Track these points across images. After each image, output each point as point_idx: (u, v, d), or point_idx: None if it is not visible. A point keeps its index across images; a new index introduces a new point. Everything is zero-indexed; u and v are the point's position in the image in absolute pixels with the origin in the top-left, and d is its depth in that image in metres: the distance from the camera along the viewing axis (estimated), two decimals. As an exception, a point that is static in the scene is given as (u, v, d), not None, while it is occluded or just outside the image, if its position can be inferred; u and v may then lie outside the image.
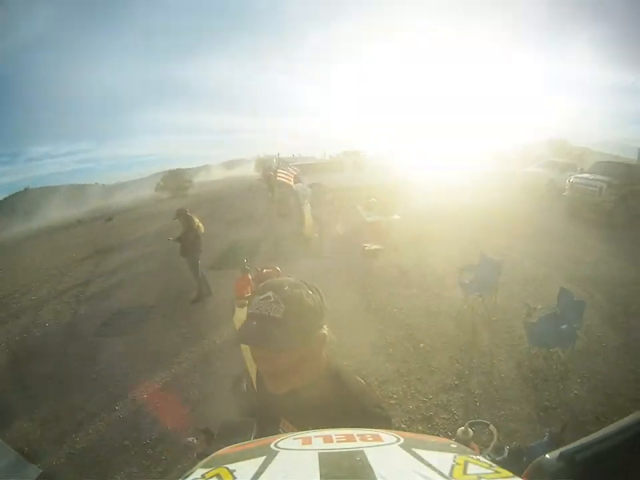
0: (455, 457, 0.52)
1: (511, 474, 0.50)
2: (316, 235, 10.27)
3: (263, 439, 0.62)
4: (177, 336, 6.12)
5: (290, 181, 12.53)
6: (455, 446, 0.58)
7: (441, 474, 0.46)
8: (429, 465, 0.48)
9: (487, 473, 0.49)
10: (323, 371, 1.18)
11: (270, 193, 16.52)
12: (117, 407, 4.66)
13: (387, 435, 0.58)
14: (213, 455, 0.61)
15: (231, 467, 0.51)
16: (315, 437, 0.58)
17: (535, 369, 4.18)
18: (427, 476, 0.45)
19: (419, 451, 0.52)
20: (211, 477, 0.49)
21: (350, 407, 1.09)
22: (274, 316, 1.04)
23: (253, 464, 0.51)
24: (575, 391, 3.88)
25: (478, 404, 3.80)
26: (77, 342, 6.71)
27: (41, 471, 3.91)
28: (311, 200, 11.29)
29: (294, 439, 0.59)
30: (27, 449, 4.26)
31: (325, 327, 1.14)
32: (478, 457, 0.55)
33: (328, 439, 0.57)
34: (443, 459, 0.51)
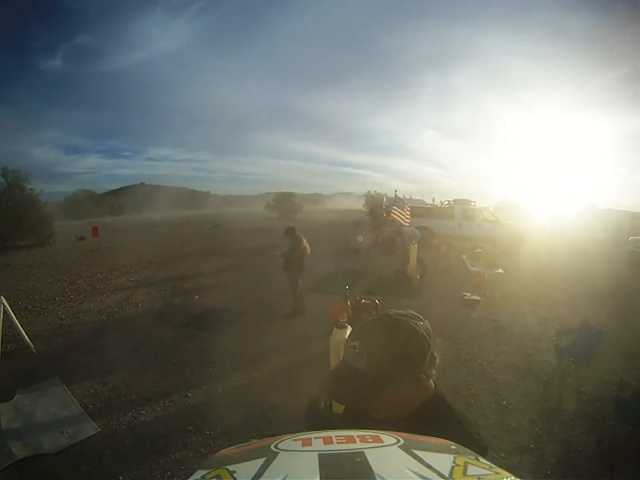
0: (455, 458, 0.54)
1: (510, 475, 0.53)
2: (418, 276, 10.40)
3: (263, 440, 0.64)
4: (263, 344, 6.32)
5: (403, 219, 12.73)
6: (455, 447, 0.61)
7: (441, 475, 0.48)
8: (429, 466, 0.50)
9: (486, 474, 0.51)
10: (432, 394, 1.16)
11: (377, 230, 16.86)
12: (188, 394, 4.92)
13: (386, 436, 0.60)
14: (213, 456, 0.63)
15: (231, 468, 0.53)
16: (315, 438, 0.60)
17: (616, 447, 3.92)
18: (426, 477, 0.47)
19: (418, 452, 0.54)
20: (211, 478, 0.51)
21: (455, 431, 1.02)
22: (356, 367, 1.06)
23: (253, 465, 0.52)
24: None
25: (549, 472, 3.69)
26: (164, 327, 7.23)
27: (99, 430, 4.18)
28: (418, 242, 11.45)
29: (294, 440, 0.61)
30: (91, 407, 4.63)
31: (435, 354, 1.14)
32: (477, 457, 0.58)
33: (328, 440, 0.58)
34: (443, 460, 0.53)
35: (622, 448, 3.93)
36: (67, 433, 4.13)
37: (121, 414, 4.51)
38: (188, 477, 0.53)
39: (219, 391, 5.05)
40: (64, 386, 5.03)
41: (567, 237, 17.33)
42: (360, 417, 1.10)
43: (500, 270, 9.33)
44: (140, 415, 4.51)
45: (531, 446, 4.04)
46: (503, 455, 3.89)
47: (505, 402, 4.83)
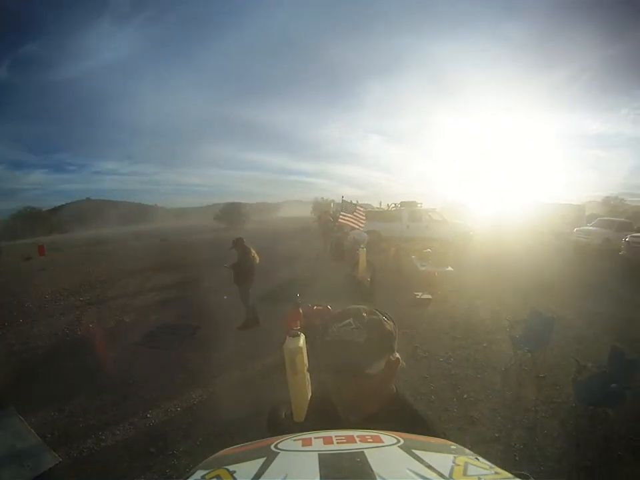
0: (455, 458, 0.55)
1: (510, 475, 0.53)
2: (368, 279, 10.37)
3: (262, 440, 0.64)
4: (218, 358, 6.18)
5: (353, 223, 12.73)
6: (455, 447, 0.62)
7: (441, 475, 0.48)
8: (429, 466, 0.50)
9: (486, 474, 0.51)
10: (394, 396, 1.17)
11: (323, 236, 16.85)
12: (148, 415, 4.76)
13: (387, 436, 0.60)
14: (213, 456, 0.62)
15: (230, 468, 0.52)
16: (315, 438, 0.60)
17: (580, 428, 3.99)
18: (426, 477, 0.47)
19: (418, 452, 0.54)
20: (211, 478, 0.51)
21: (420, 430, 1.00)
22: (357, 341, 1.04)
23: (253, 465, 0.52)
24: (619, 452, 3.66)
25: (517, 458, 3.66)
26: (117, 347, 6.94)
27: (60, 460, 3.98)
28: (367, 246, 11.45)
29: (294, 440, 0.61)
30: (49, 436, 4.41)
31: (396, 352, 1.14)
32: (477, 457, 0.58)
33: (328, 440, 0.58)
34: (443, 460, 0.53)
35: (586, 427, 4.00)
36: (28, 465, 3.89)
37: (81, 441, 4.31)
38: (188, 477, 0.53)
39: (178, 409, 4.90)
40: (20, 416, 4.67)
41: (514, 231, 17.97)
42: (324, 421, 1.04)
43: (449, 268, 9.48)
44: (100, 441, 4.31)
45: (496, 435, 4.03)
46: (469, 446, 3.76)
47: (465, 395, 4.82)
